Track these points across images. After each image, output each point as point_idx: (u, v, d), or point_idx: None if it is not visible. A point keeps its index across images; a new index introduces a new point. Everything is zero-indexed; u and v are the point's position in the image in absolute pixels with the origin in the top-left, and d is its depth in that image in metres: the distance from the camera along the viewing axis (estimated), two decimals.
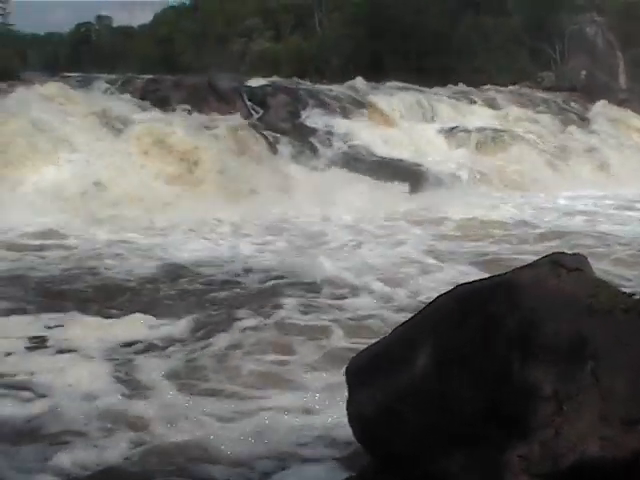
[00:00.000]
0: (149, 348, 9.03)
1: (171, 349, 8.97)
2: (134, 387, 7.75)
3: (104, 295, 11.51)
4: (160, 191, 20.29)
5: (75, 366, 8.25)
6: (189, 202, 19.91)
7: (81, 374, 7.97)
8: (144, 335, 9.44)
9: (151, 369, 8.20)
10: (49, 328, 9.67)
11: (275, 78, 33.73)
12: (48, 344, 9.12)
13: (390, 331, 5.01)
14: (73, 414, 6.94)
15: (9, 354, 8.71)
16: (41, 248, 15.01)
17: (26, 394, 7.44)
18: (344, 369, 5.08)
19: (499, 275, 4.73)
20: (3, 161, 19.92)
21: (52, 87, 24.92)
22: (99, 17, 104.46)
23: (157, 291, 11.88)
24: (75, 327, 9.62)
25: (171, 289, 12.03)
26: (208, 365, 8.35)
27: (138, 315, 10.25)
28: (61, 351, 8.89)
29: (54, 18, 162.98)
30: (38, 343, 9.17)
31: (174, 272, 13.14)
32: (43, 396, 7.42)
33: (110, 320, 10.10)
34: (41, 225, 16.93)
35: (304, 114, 26.55)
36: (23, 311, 10.45)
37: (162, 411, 7.02)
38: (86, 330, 9.48)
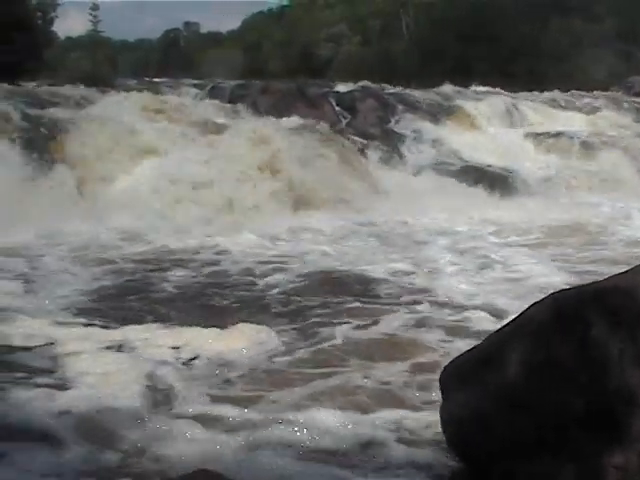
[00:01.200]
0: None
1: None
2: None
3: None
4: (250, 196, 20.41)
5: None
6: (281, 207, 20.05)
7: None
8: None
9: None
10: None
11: (363, 83, 33.69)
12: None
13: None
14: None
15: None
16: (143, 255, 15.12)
17: None
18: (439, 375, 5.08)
19: (595, 282, 4.71)
20: (98, 166, 20.25)
21: (143, 93, 25.34)
22: (187, 23, 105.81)
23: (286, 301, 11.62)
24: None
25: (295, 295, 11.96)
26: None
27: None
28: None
29: (143, 25, 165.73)
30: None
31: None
32: None
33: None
34: (137, 230, 17.23)
35: (393, 119, 26.54)
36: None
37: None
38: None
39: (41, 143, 20.50)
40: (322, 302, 11.32)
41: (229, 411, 7.07)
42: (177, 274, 13.23)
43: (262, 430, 6.60)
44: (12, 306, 10.62)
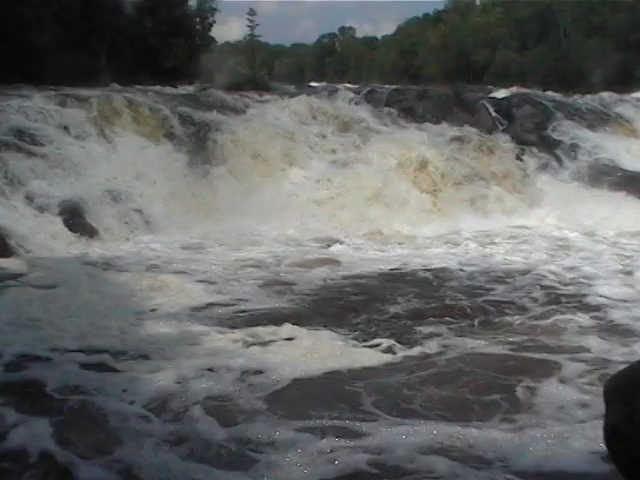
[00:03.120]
0: None
1: None
2: None
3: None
4: (412, 202, 20.42)
5: None
6: (435, 213, 20.06)
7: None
8: None
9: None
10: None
11: (519, 89, 33.32)
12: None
13: None
14: None
15: None
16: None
17: None
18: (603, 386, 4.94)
19: None
20: (256, 169, 20.56)
21: (300, 97, 25.61)
22: (343, 28, 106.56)
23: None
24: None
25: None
26: None
27: None
28: None
29: (299, 30, 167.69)
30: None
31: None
32: None
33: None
34: (296, 235, 17.73)
35: (550, 126, 26.08)
36: None
37: None
38: None
39: (200, 145, 21.00)
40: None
41: None
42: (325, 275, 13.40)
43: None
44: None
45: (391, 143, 22.55)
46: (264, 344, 9.34)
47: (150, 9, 37.40)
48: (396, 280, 13.22)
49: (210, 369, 8.40)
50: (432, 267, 14.28)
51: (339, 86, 34.85)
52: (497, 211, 20.72)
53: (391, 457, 6.35)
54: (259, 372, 8.36)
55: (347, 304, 11.52)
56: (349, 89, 30.60)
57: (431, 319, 10.59)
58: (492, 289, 12.50)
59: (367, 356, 8.95)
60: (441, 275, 13.59)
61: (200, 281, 12.81)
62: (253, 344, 9.34)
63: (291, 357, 8.82)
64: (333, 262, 14.67)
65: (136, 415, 7.15)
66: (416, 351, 9.14)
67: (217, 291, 12.14)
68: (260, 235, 17.56)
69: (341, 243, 16.84)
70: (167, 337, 9.58)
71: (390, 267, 14.31)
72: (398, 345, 9.32)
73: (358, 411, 7.34)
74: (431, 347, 9.25)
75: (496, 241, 17.58)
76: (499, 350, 9.14)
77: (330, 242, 16.97)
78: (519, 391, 7.82)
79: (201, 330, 9.90)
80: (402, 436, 6.69)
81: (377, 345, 9.37)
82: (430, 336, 9.73)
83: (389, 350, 9.19)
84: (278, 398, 7.69)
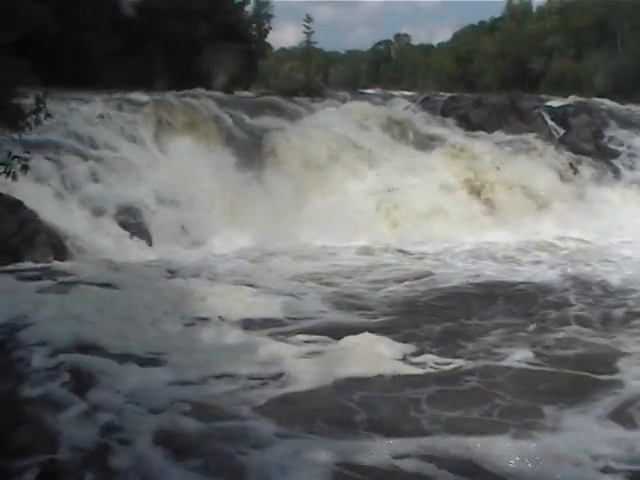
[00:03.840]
0: None
1: None
2: None
3: None
4: (471, 212, 20.34)
5: None
6: (485, 219, 19.97)
7: None
8: None
9: None
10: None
11: (576, 97, 32.97)
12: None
13: None
14: None
15: None
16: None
17: None
18: None
19: None
20: (312, 175, 20.53)
21: (355, 104, 25.62)
22: (398, 35, 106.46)
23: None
24: None
25: None
26: None
27: None
28: None
29: (354, 36, 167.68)
30: None
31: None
32: None
33: None
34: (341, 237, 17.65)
35: (607, 135, 25.81)
36: None
37: None
38: None
39: (256, 151, 21.02)
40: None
41: None
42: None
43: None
44: None
45: (448, 151, 22.47)
46: (323, 354, 9.33)
47: (206, 14, 37.51)
48: (466, 292, 13.17)
49: (264, 377, 8.45)
50: (498, 280, 14.20)
51: (394, 93, 34.77)
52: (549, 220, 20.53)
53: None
54: (312, 380, 8.41)
55: (410, 316, 11.44)
56: (404, 96, 30.54)
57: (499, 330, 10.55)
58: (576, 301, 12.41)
59: (429, 369, 8.94)
60: (508, 290, 13.38)
61: (255, 288, 12.80)
62: (310, 354, 9.35)
63: (353, 369, 8.79)
64: (391, 269, 14.63)
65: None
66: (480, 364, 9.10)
67: (272, 299, 12.07)
68: (315, 244, 17.56)
69: (397, 252, 16.75)
70: (223, 345, 9.64)
71: (467, 278, 14.24)
72: (461, 358, 9.28)
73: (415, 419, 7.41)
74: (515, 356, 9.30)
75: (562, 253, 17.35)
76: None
77: (385, 251, 16.91)
78: None
79: (255, 339, 9.92)
80: None
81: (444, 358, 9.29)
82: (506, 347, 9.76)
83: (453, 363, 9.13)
84: (328, 406, 7.74)
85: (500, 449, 6.64)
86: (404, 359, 9.20)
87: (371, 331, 10.02)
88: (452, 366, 8.98)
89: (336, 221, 18.83)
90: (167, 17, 34.77)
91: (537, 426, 7.19)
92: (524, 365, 9.04)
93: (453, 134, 24.09)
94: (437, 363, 9.08)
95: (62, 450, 6.53)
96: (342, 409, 7.66)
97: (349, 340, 9.67)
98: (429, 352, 9.46)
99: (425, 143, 23.15)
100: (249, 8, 45.14)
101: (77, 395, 7.70)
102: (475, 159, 22.15)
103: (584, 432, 7.06)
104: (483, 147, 22.81)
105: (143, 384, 8.14)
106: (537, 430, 7.10)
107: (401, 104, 27.12)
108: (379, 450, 6.67)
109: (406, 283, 13.62)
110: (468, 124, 25.03)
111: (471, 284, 13.73)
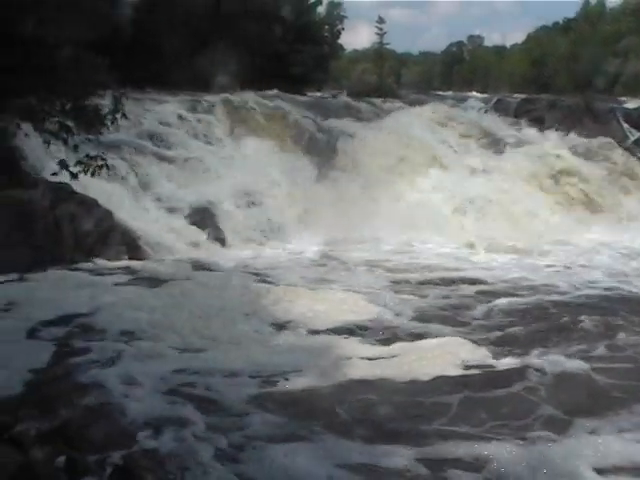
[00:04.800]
0: None
1: None
2: None
3: None
4: (551, 214, 20.16)
5: None
6: (564, 224, 19.72)
7: None
8: None
9: None
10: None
11: None
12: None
13: None
14: None
15: None
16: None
17: None
18: None
19: None
20: (385, 177, 20.51)
21: (429, 106, 25.57)
22: (471, 36, 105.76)
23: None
24: None
25: None
26: None
27: None
28: None
29: (427, 37, 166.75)
30: None
31: None
32: None
33: None
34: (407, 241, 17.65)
35: None
36: None
37: None
38: None
39: (329, 152, 21.10)
40: None
41: None
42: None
43: None
44: None
45: (524, 153, 22.33)
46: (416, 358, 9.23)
47: (279, 15, 37.64)
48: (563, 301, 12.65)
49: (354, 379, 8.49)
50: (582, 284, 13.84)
51: (467, 94, 34.69)
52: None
53: None
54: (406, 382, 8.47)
55: (497, 322, 11.26)
56: (478, 98, 30.42)
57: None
58: None
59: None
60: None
61: (331, 289, 12.77)
62: (392, 356, 9.34)
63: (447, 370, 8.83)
64: (466, 271, 14.57)
65: None
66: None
67: (353, 300, 12.01)
68: (388, 243, 17.49)
69: (476, 254, 16.60)
70: (302, 347, 9.63)
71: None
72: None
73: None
74: None
75: None
76: None
77: (467, 254, 16.72)
78: None
79: (340, 342, 9.91)
80: None
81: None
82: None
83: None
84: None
85: None
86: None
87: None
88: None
89: (412, 222, 18.78)
90: (240, 18, 34.93)
91: None
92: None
93: (528, 135, 23.91)
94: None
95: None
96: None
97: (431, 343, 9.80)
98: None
99: (500, 145, 23.02)
100: (321, 9, 45.17)
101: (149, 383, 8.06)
102: (556, 159, 21.99)
103: None
104: (561, 148, 22.60)
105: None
106: None
107: (474, 106, 27.02)
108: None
109: (513, 293, 13.03)
110: (542, 126, 24.82)
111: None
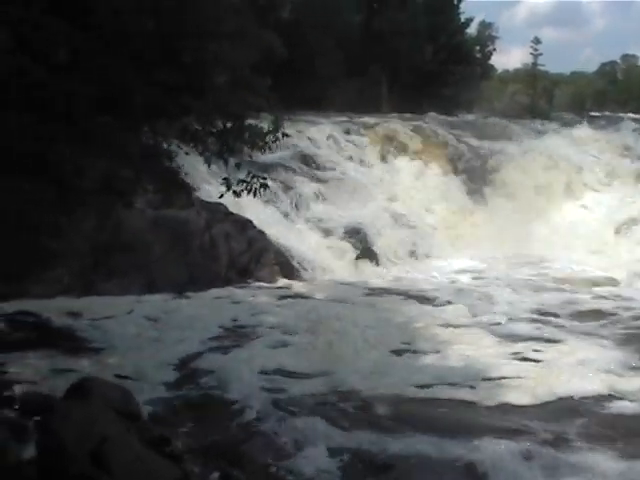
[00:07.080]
0: None
1: None
2: None
3: None
4: None
5: None
6: None
7: None
8: None
9: None
10: None
11: None
12: None
13: None
14: None
15: None
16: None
17: None
18: None
19: None
20: (534, 200, 20.26)
21: (581, 128, 25.24)
22: (625, 55, 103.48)
23: None
24: None
25: None
26: None
27: None
28: None
29: (579, 58, 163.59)
30: None
31: None
32: None
33: None
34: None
35: None
36: None
37: None
38: None
39: (480, 173, 20.99)
40: None
41: None
42: None
43: None
44: None
45: None
46: None
47: (430, 35, 37.56)
48: None
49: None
50: None
51: (621, 115, 33.90)
52: None
53: None
54: None
55: None
56: (632, 119, 29.69)
57: None
58: None
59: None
60: None
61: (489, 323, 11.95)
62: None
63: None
64: None
65: None
66: None
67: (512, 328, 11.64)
68: (546, 266, 16.95)
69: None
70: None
71: None
72: None
73: None
74: None
75: None
76: None
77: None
78: None
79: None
80: None
81: None
82: None
83: None
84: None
85: None
86: None
87: None
88: None
89: (565, 245, 18.43)
90: (391, 38, 34.98)
91: None
92: None
93: None
94: None
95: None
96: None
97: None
98: None
99: None
100: (472, 30, 44.95)
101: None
102: None
103: None
104: None
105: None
106: None
107: (629, 127, 26.37)
108: None
109: None
110: None
111: None
